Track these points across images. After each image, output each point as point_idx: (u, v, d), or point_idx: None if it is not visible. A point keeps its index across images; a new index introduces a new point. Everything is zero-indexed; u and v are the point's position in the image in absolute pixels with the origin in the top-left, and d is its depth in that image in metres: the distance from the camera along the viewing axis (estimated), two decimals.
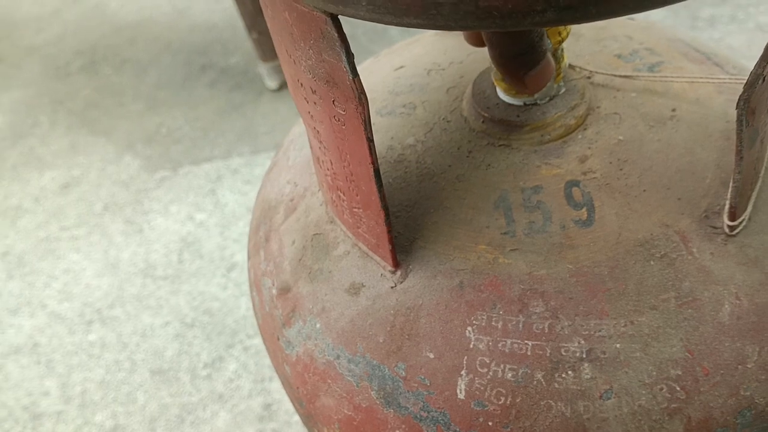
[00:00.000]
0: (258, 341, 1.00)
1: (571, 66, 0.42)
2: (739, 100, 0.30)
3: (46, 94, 1.64)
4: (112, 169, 1.37)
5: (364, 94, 0.29)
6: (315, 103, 0.33)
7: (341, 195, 0.38)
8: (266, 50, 1.36)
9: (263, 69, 1.41)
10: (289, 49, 0.32)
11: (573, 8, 0.21)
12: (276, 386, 0.95)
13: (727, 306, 0.34)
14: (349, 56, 0.27)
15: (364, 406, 0.37)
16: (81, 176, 1.37)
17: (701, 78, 0.41)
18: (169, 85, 1.54)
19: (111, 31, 1.80)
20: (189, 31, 1.71)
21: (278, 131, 1.33)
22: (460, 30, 0.25)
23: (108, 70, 1.66)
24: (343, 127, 0.32)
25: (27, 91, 1.66)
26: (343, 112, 0.31)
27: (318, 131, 0.35)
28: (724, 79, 0.41)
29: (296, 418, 0.91)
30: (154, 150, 1.38)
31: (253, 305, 0.46)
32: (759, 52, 0.48)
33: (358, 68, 0.54)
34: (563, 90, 0.40)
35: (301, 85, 0.33)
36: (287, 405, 0.92)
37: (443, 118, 0.42)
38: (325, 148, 0.36)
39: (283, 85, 1.42)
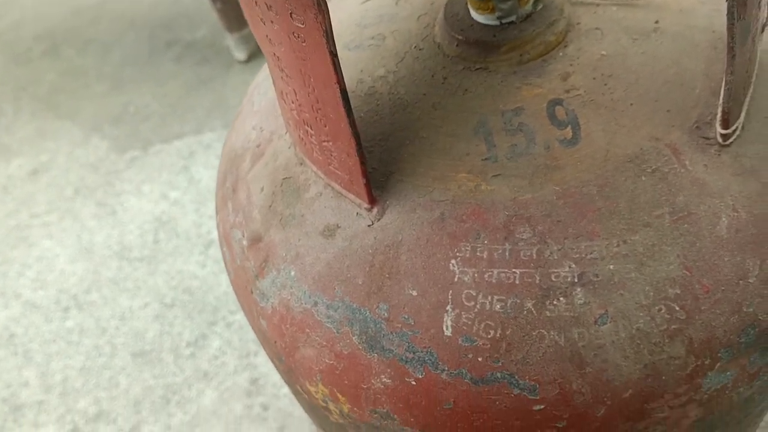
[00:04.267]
0: (241, 316, 0.98)
1: None
2: None
3: (8, 82, 1.58)
4: (81, 152, 1.32)
5: (324, 1, 0.26)
6: (272, 21, 0.30)
7: (309, 129, 0.35)
8: (232, 20, 1.31)
9: (231, 40, 1.36)
10: None
11: None
12: (262, 360, 0.92)
13: (724, 219, 0.32)
14: None
15: (346, 352, 0.35)
16: (49, 162, 1.33)
17: None
18: (135, 62, 1.48)
19: (71, 13, 1.74)
20: (152, 7, 1.65)
21: None
22: None
23: (71, 52, 1.60)
24: (304, 44, 0.29)
25: None
26: (302, 25, 0.28)
27: (278, 57, 0.33)
28: None
29: (285, 390, 0.89)
30: (122, 130, 1.34)
31: (224, 261, 0.44)
32: None
33: None
34: (540, 6, 0.37)
35: (256, 3, 0.30)
36: (275, 378, 0.90)
37: (415, 47, 0.39)
38: (287, 76, 0.33)
39: (251, 56, 1.38)
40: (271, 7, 0.29)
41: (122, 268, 1.09)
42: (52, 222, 1.21)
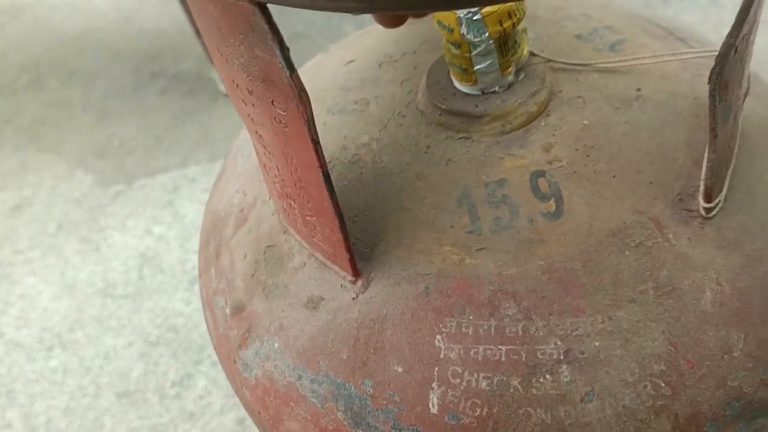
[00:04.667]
0: None
1: (531, 53, 0.40)
2: (711, 73, 0.28)
3: None
4: (65, 186, 1.31)
5: (305, 92, 0.26)
6: (253, 104, 0.30)
7: (292, 203, 0.35)
8: None
9: (215, 73, 1.37)
10: (220, 47, 0.29)
11: None
12: None
13: (708, 293, 0.32)
14: (284, 50, 0.25)
15: (330, 428, 0.34)
16: (32, 196, 1.31)
17: (665, 55, 0.39)
18: (120, 94, 1.48)
19: (56, 44, 1.73)
20: (137, 39, 1.65)
21: (235, 136, 1.29)
22: (402, 11, 0.23)
23: (55, 83, 1.60)
24: (286, 130, 0.29)
25: None
26: (284, 113, 0.28)
27: (260, 135, 0.32)
28: (689, 54, 0.39)
29: None
30: (107, 163, 1.33)
31: (207, 326, 0.43)
32: (712, 28, 0.46)
33: (307, 65, 0.51)
34: (522, 76, 0.37)
35: (237, 86, 0.30)
36: None
37: (398, 113, 0.40)
38: (270, 153, 0.33)
39: None
40: (252, 92, 0.29)
41: (106, 305, 1.08)
42: (35, 258, 1.19)
